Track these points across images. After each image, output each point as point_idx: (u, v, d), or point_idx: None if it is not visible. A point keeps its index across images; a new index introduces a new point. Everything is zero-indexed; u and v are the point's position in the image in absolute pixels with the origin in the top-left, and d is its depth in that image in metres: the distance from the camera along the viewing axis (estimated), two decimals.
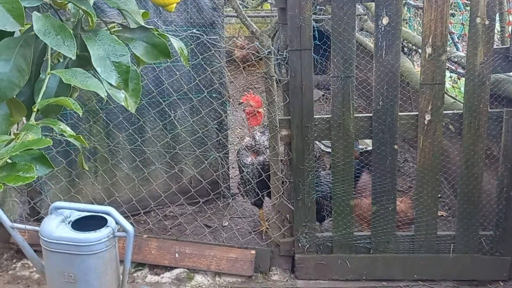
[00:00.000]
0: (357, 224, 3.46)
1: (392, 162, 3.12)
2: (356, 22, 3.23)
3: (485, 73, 2.96)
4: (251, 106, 3.53)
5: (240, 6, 3.38)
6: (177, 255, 3.35)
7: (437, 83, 2.99)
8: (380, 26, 2.95)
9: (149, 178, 3.71)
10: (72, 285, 2.62)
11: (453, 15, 5.17)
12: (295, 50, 3.01)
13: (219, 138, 3.86)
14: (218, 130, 3.97)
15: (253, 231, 3.72)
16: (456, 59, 3.80)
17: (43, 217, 3.36)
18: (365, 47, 5.49)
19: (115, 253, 2.78)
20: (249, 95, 3.61)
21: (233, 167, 4.59)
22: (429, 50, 2.96)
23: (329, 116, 3.10)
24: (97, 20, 1.32)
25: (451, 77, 4.45)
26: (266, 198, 3.67)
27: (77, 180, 3.62)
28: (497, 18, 3.37)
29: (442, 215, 3.82)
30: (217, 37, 3.39)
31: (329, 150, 4.74)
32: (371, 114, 3.08)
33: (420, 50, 4.95)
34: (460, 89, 4.30)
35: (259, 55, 3.20)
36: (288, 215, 3.30)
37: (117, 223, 2.68)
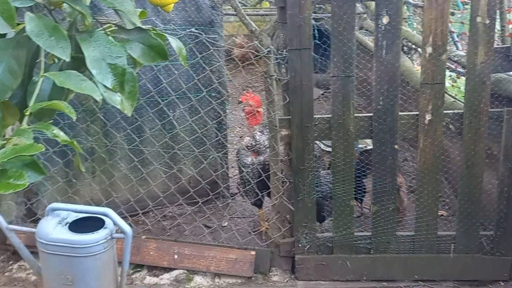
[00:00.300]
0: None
1: (392, 162, 3.10)
2: (356, 21, 3.19)
3: (486, 72, 2.93)
4: (251, 106, 3.50)
5: (239, 5, 3.35)
6: (176, 256, 3.32)
7: (437, 82, 2.96)
8: (380, 26, 2.92)
9: (148, 178, 3.68)
10: None
11: (452, 13, 5.15)
12: (295, 50, 2.98)
13: (218, 138, 3.83)
14: (217, 130, 3.95)
15: (253, 232, 3.70)
16: (456, 58, 3.77)
17: (40, 218, 3.33)
18: (365, 46, 5.46)
19: (113, 254, 2.75)
20: (248, 94, 3.58)
21: (232, 167, 4.57)
22: (429, 49, 2.93)
23: (329, 115, 3.08)
24: (92, 20, 1.30)
25: (450, 76, 4.43)
26: (266, 198, 3.65)
27: (74, 180, 3.59)
28: (497, 17, 3.34)
29: (442, 215, 3.80)
30: (216, 36, 3.36)
31: (329, 149, 4.72)
32: (371, 114, 3.06)
33: (419, 49, 4.95)
34: (459, 88, 4.28)
35: (258, 54, 3.17)
36: (288, 216, 3.28)
37: (115, 224, 2.66)
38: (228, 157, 4.33)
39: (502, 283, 3.20)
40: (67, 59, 1.10)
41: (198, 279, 3.27)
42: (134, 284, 3.25)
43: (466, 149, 3.05)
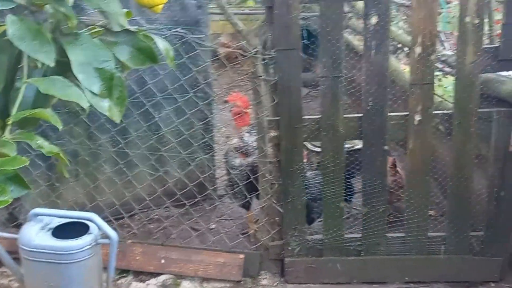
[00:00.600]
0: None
1: (382, 163, 3.07)
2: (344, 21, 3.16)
3: (475, 72, 2.91)
4: (238, 107, 3.44)
5: (225, 4, 3.29)
6: (163, 261, 3.26)
7: (426, 83, 2.94)
8: (369, 26, 2.89)
9: (133, 181, 3.60)
10: None
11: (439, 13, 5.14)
12: (283, 50, 2.93)
13: (205, 140, 3.76)
14: (204, 131, 3.88)
15: (241, 234, 3.64)
16: (443, 58, 3.76)
17: (22, 223, 3.24)
18: (352, 46, 5.44)
19: (98, 260, 2.68)
20: (235, 95, 3.52)
21: (219, 167, 4.50)
22: (418, 49, 2.90)
23: (318, 116, 3.04)
24: (77, 22, 1.23)
25: (436, 75, 4.42)
26: (254, 200, 3.60)
27: (57, 184, 3.50)
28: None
29: (430, 215, 3.78)
30: (203, 36, 3.30)
31: (316, 149, 4.68)
32: (361, 115, 3.02)
33: (406, 49, 4.94)
34: (446, 87, 4.27)
35: (245, 54, 3.12)
36: (277, 218, 3.23)
37: (100, 229, 2.59)
38: (215, 158, 4.28)
39: (492, 284, 3.19)
40: (52, 64, 1.03)
41: (185, 284, 3.21)
42: None
43: (456, 149, 3.03)
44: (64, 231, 2.60)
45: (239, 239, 3.44)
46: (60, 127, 1.01)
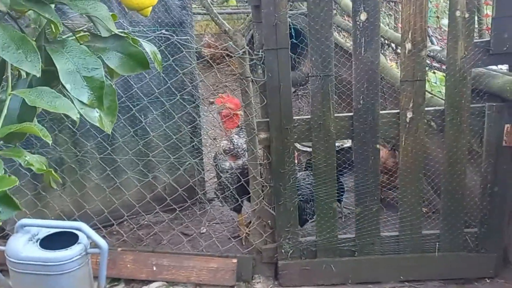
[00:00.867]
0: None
1: (374, 162, 3.03)
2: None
3: (466, 67, 2.89)
4: (228, 108, 3.38)
5: (211, 4, 3.23)
6: (154, 268, 3.19)
7: (417, 79, 2.91)
8: (358, 22, 2.85)
9: (121, 188, 3.52)
10: None
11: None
12: (271, 49, 2.88)
13: (194, 143, 3.69)
14: (192, 134, 3.81)
15: (233, 237, 3.58)
16: (432, 54, 3.73)
17: (8, 234, 3.16)
18: (338, 43, 5.40)
19: (88, 270, 2.61)
20: (225, 96, 3.46)
21: (207, 170, 4.44)
22: (409, 45, 2.87)
23: (309, 117, 2.99)
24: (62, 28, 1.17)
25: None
26: (245, 202, 3.54)
27: (43, 193, 3.40)
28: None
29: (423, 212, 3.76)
30: (188, 37, 3.23)
31: (305, 149, 4.64)
32: (351, 114, 2.98)
33: (393, 45, 4.91)
34: (435, 83, 4.25)
35: (233, 54, 3.05)
36: (269, 221, 3.18)
37: (89, 238, 2.53)
38: (204, 160, 4.21)
39: (487, 280, 3.17)
40: (38, 74, 0.97)
41: None
42: None
43: (448, 146, 3.01)
44: (52, 241, 2.53)
45: (231, 243, 3.38)
46: (50, 142, 0.94)
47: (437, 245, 3.15)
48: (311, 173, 3.26)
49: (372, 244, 3.16)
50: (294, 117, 2.99)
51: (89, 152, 3.47)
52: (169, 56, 3.18)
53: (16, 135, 1.02)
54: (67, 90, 1.04)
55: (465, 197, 3.09)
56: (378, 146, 3.01)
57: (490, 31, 2.97)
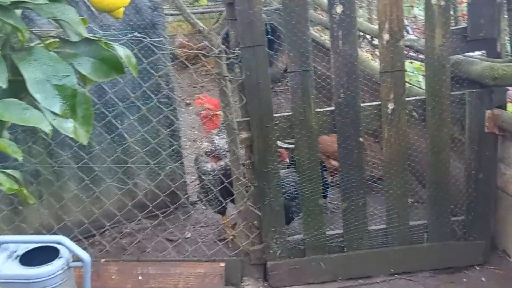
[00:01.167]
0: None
1: (358, 155, 2.99)
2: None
3: (445, 55, 2.87)
4: (207, 109, 3.30)
5: (183, 4, 3.15)
6: (140, 277, 3.10)
7: (397, 70, 2.87)
8: (334, 15, 2.80)
9: (101, 197, 3.42)
10: None
11: None
12: (248, 47, 2.81)
13: (173, 147, 3.61)
14: (171, 138, 3.73)
15: (219, 240, 3.52)
16: (408, 43, 3.70)
17: None
18: (313, 37, 5.36)
19: (71, 285, 2.53)
20: (203, 97, 3.38)
21: (188, 172, 4.36)
22: (386, 36, 2.83)
23: (290, 113, 2.93)
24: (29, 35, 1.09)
25: None
26: (230, 204, 3.47)
27: (20, 207, 3.29)
28: None
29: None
30: (162, 39, 3.15)
31: (286, 146, 4.59)
32: (333, 108, 2.94)
33: (368, 36, 4.89)
34: (412, 72, 4.24)
35: (208, 54, 2.99)
36: (255, 221, 3.11)
37: (71, 252, 2.44)
38: (184, 163, 4.13)
39: (477, 268, 3.16)
40: (4, 85, 0.89)
41: None
42: None
43: (431, 135, 2.99)
44: (32, 257, 2.45)
45: (217, 246, 3.31)
46: (21, 158, 0.87)
47: (425, 236, 3.13)
48: (294, 170, 3.21)
49: (360, 239, 3.12)
50: (274, 115, 2.93)
51: (65, 162, 3.36)
52: (143, 59, 3.09)
53: None
54: (37, 100, 0.97)
55: (450, 186, 3.08)
56: (361, 139, 2.97)
57: (466, 17, 2.96)
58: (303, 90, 2.88)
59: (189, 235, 3.72)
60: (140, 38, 2.86)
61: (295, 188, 3.28)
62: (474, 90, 2.92)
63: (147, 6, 3.58)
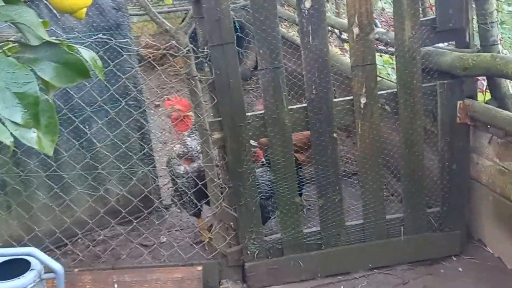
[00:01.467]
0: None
1: (333, 151, 2.97)
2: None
3: (415, 47, 2.87)
4: (178, 111, 3.23)
5: (149, 4, 3.07)
6: (116, 286, 3.02)
7: (368, 63, 2.86)
8: (303, 10, 2.77)
9: (72, 205, 3.32)
10: None
11: None
12: (217, 46, 2.75)
13: (144, 150, 3.52)
14: (142, 141, 3.64)
15: (195, 243, 3.45)
16: (377, 36, 3.70)
17: None
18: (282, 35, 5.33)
19: None
20: (173, 98, 3.31)
21: (161, 175, 4.27)
22: (356, 30, 2.82)
23: (262, 112, 2.89)
24: None
25: None
26: (205, 205, 3.41)
27: None
28: None
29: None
30: (127, 39, 3.06)
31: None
32: (305, 105, 2.90)
33: (336, 31, 4.88)
34: (382, 65, 4.24)
35: (176, 54, 2.92)
36: (231, 223, 3.06)
37: (42, 263, 2.35)
38: (156, 166, 4.05)
39: (454, 258, 3.18)
40: None
41: None
42: None
43: (404, 128, 2.99)
44: (2, 271, 2.36)
45: (194, 249, 3.24)
46: None
47: (402, 229, 3.14)
48: (269, 168, 3.17)
49: (338, 235, 3.10)
50: (247, 114, 2.89)
51: (33, 171, 3.25)
52: (109, 61, 3.00)
53: None
54: None
55: (424, 178, 3.08)
56: (335, 135, 2.94)
57: (434, 8, 2.96)
58: (275, 87, 2.84)
59: (165, 239, 3.64)
60: (105, 40, 2.77)
61: (270, 187, 3.24)
62: (445, 81, 2.93)
63: (110, 6, 3.48)
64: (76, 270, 3.10)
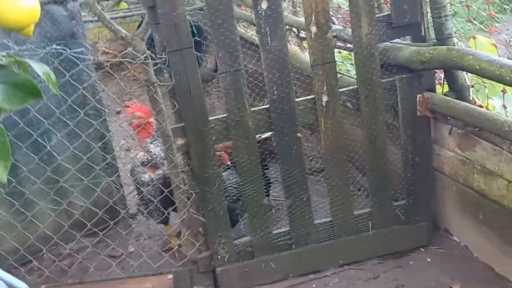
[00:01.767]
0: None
1: (298, 151, 2.97)
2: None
3: (372, 43, 2.89)
4: (139, 118, 3.18)
5: (102, 11, 3.01)
6: None
7: (328, 62, 2.87)
8: (260, 11, 2.76)
9: (35, 220, 3.23)
10: None
11: None
12: (175, 51, 2.72)
13: (107, 160, 3.45)
14: (104, 151, 3.57)
15: (164, 251, 3.41)
16: (335, 33, 3.72)
17: None
18: (241, 36, 5.30)
19: None
20: (133, 106, 3.25)
21: (126, 183, 4.20)
22: (314, 29, 2.82)
23: (225, 115, 2.87)
24: None
25: None
26: (172, 212, 3.36)
27: None
28: None
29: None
30: (83, 48, 2.98)
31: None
32: (268, 106, 2.90)
33: (294, 29, 4.89)
34: (342, 62, 4.27)
35: (133, 61, 2.86)
36: (200, 228, 3.03)
37: (6, 284, 2.28)
38: (120, 175, 3.97)
39: (422, 249, 3.22)
40: None
41: None
42: None
43: (366, 123, 3.01)
44: None
45: (163, 258, 3.20)
46: None
47: (370, 224, 3.16)
48: (234, 171, 3.16)
49: (307, 234, 3.11)
50: (209, 118, 2.86)
51: None
52: (65, 72, 2.92)
53: None
54: None
55: (389, 172, 3.12)
56: (299, 134, 2.95)
57: (389, 4, 2.99)
58: (236, 90, 2.82)
59: (133, 249, 3.58)
60: (60, 51, 2.70)
61: (238, 190, 3.22)
62: (404, 76, 2.97)
63: (63, 16, 3.39)
64: (43, 286, 3.03)
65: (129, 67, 2.89)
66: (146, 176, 3.26)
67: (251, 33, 5.54)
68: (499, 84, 2.54)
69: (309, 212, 3.08)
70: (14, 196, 3.16)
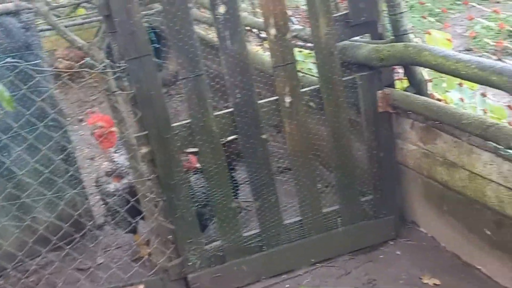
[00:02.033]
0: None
1: (264, 153, 2.97)
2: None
3: (331, 43, 2.93)
4: (101, 127, 3.13)
5: (56, 21, 2.95)
6: None
7: (289, 63, 2.89)
8: (218, 16, 2.74)
9: None
10: None
11: None
12: (134, 59, 2.68)
13: (70, 172, 3.37)
14: (66, 163, 3.49)
15: (134, 261, 3.37)
16: (294, 33, 3.73)
17: None
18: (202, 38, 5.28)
19: None
20: (95, 115, 3.20)
21: (91, 193, 4.12)
22: (273, 31, 2.83)
23: (189, 121, 2.85)
24: None
25: None
26: (140, 221, 3.32)
27: None
28: None
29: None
30: (39, 60, 2.92)
31: (192, 149, 4.48)
32: (231, 109, 2.89)
33: (254, 30, 4.90)
34: (303, 61, 4.28)
35: (92, 71, 2.81)
36: (169, 236, 3.00)
37: None
38: (84, 186, 3.90)
39: (391, 242, 3.27)
40: None
41: None
42: None
43: (330, 122, 3.04)
44: None
45: (133, 268, 3.15)
46: None
47: (339, 221, 3.18)
48: (202, 175, 3.13)
49: (278, 235, 3.11)
50: (173, 124, 2.83)
51: None
52: (21, 84, 2.84)
53: None
54: None
55: (355, 168, 3.15)
56: (264, 136, 2.95)
57: (346, 3, 3.02)
58: (199, 95, 2.80)
59: (102, 261, 3.53)
60: (14, 64, 2.63)
61: (205, 194, 3.20)
62: (364, 73, 3.01)
63: (17, 27, 3.31)
64: None
65: (87, 76, 2.84)
66: (111, 186, 3.21)
67: (213, 35, 5.52)
68: (456, 78, 2.59)
69: (278, 213, 3.09)
70: None
